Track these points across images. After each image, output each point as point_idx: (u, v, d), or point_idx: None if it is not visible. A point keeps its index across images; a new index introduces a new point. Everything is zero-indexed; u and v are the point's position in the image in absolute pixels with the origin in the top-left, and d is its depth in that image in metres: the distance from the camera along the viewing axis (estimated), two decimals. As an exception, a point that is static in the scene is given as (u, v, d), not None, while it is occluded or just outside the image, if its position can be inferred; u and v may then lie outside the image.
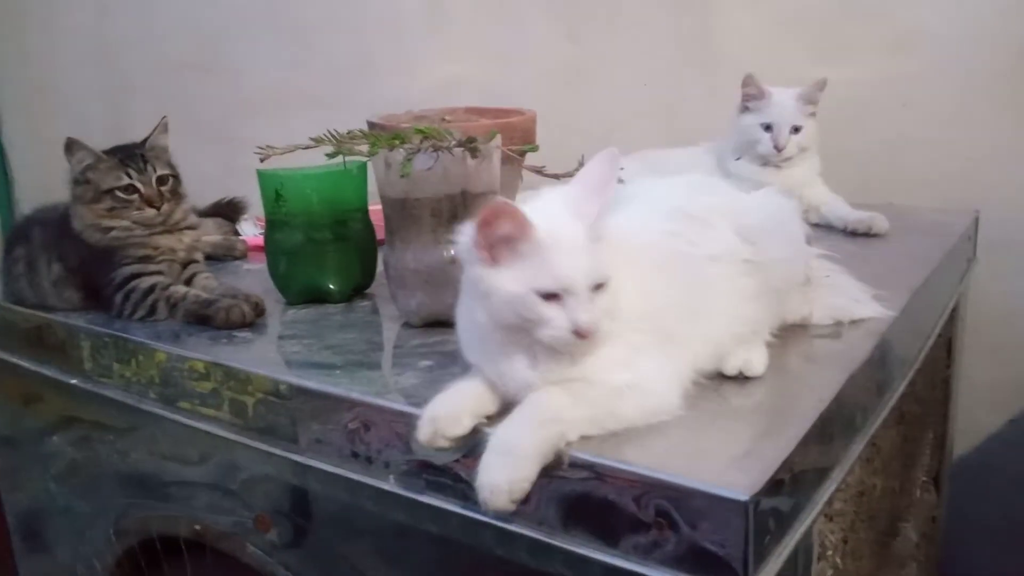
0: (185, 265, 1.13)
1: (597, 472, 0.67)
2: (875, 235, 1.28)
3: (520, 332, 0.69)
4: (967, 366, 1.49)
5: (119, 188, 1.08)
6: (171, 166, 1.14)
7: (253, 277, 1.21)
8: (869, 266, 1.04)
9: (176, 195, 1.13)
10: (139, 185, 1.09)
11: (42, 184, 1.13)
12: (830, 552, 0.85)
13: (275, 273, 1.11)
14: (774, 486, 0.64)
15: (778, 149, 1.33)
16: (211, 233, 1.39)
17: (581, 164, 1.00)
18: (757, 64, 1.35)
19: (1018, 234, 1.48)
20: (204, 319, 1.03)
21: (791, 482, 0.68)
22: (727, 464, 0.65)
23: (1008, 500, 1.56)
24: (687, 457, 0.67)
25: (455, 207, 0.95)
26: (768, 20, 1.63)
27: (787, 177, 1.35)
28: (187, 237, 1.14)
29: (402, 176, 0.88)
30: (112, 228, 1.09)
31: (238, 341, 1.00)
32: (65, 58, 2.52)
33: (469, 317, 0.74)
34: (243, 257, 1.35)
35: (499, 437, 0.68)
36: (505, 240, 0.68)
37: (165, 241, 1.11)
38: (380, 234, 1.11)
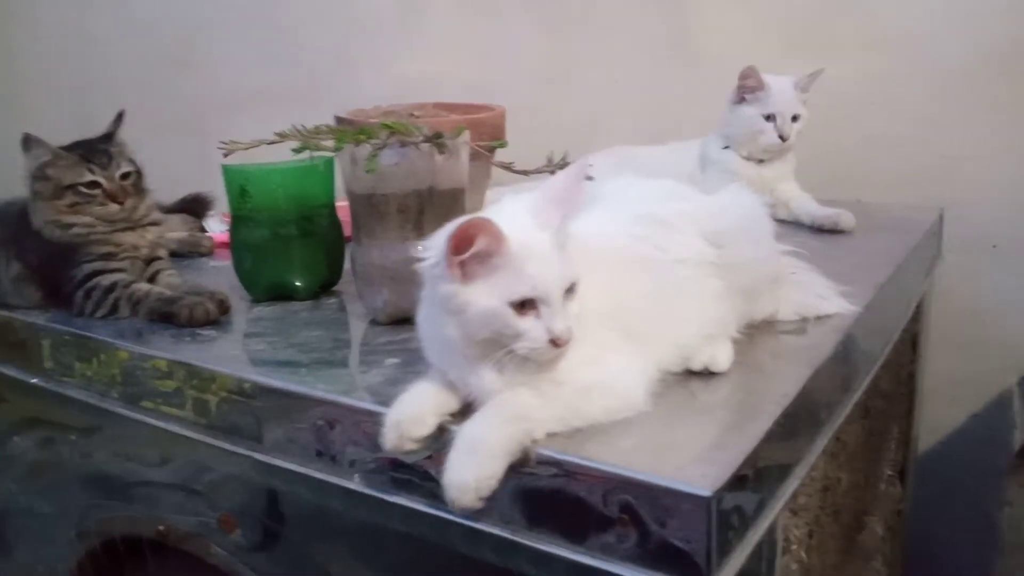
0: (148, 262, 1.12)
1: (562, 469, 0.66)
2: (841, 231, 1.29)
3: (492, 344, 0.68)
4: (933, 362, 1.51)
5: (81, 184, 1.06)
6: (132, 162, 1.12)
7: (219, 274, 1.19)
8: (836, 262, 1.05)
9: (139, 191, 1.11)
10: (102, 180, 1.07)
11: (18, 179, 1.11)
12: (795, 546, 0.85)
13: (240, 270, 1.10)
14: (737, 481, 0.64)
15: (783, 139, 1.33)
16: (177, 229, 1.37)
17: (549, 161, 1.01)
18: (735, 61, 1.35)
19: (984, 232, 1.50)
20: (167, 317, 1.02)
21: (754, 477, 0.68)
22: (691, 460, 0.65)
23: (973, 493, 1.58)
24: (652, 453, 0.67)
25: (422, 203, 0.94)
26: (743, 18, 1.64)
27: (768, 170, 1.36)
28: (150, 233, 1.12)
29: (368, 172, 0.88)
30: (73, 224, 1.07)
31: (202, 339, 0.99)
32: (37, 52, 2.47)
33: (435, 329, 0.72)
34: (209, 254, 1.34)
35: (465, 435, 0.68)
36: (477, 255, 0.66)
37: (127, 238, 1.09)
38: (348, 230, 1.10)
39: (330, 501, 0.82)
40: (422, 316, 0.75)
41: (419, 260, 0.71)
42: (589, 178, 0.92)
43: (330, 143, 0.91)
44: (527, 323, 0.67)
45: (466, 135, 0.95)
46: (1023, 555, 1.53)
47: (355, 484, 0.79)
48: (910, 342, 1.37)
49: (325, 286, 1.11)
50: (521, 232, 0.67)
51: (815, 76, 1.33)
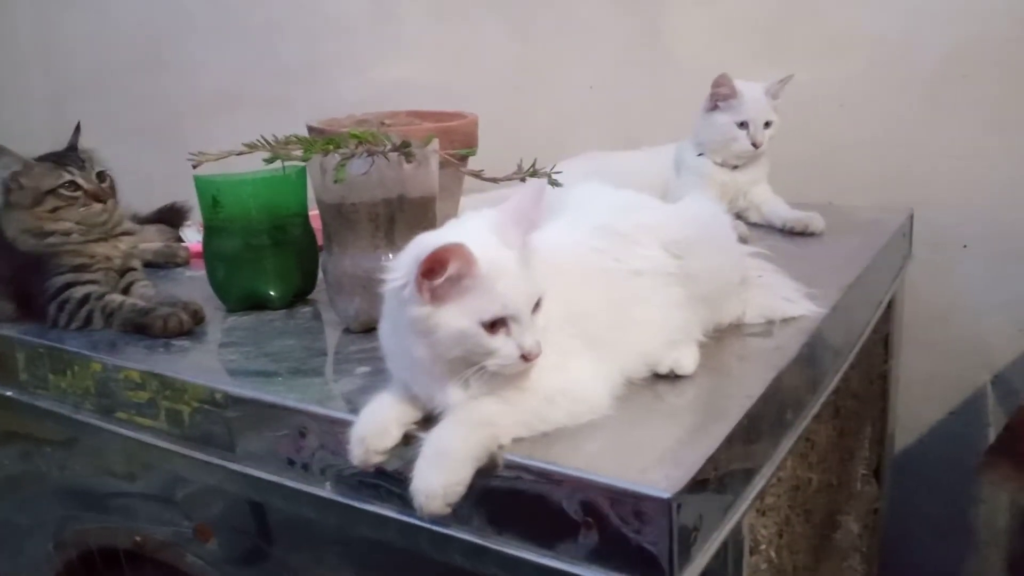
0: (123, 273, 1.12)
1: (527, 473, 0.67)
2: (812, 234, 1.30)
3: (461, 362, 0.69)
4: (906, 361, 1.53)
5: (61, 186, 1.07)
6: (103, 165, 1.12)
7: (194, 284, 1.19)
8: (805, 264, 1.06)
9: (114, 193, 1.11)
10: (81, 181, 1.08)
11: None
12: (763, 546, 0.86)
13: (214, 280, 1.10)
14: (699, 483, 0.65)
15: (756, 145, 1.34)
16: (153, 239, 1.37)
17: (519, 168, 1.02)
18: (703, 66, 1.37)
19: (954, 232, 1.52)
20: (141, 328, 1.02)
21: (718, 478, 0.69)
22: (653, 462, 0.66)
23: (948, 491, 1.60)
24: (616, 456, 0.68)
25: (392, 212, 0.95)
26: (712, 23, 1.66)
27: (741, 175, 1.38)
28: (123, 244, 1.12)
29: (336, 181, 0.88)
30: (51, 233, 1.07)
31: (175, 349, 0.99)
32: (11, 59, 2.47)
33: (401, 346, 0.73)
34: (185, 264, 1.34)
35: (432, 442, 0.68)
36: (448, 279, 0.66)
37: (101, 249, 1.09)
38: (321, 239, 1.11)
39: (302, 509, 0.83)
40: (385, 330, 0.75)
41: (383, 280, 0.71)
42: (557, 184, 0.94)
43: (299, 153, 0.91)
44: (498, 341, 0.68)
45: (435, 143, 0.96)
46: (997, 551, 1.55)
47: (326, 492, 0.80)
48: (882, 342, 1.39)
49: (299, 295, 1.12)
50: (490, 252, 0.68)
51: (785, 82, 1.35)
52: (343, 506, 0.79)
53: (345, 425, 0.75)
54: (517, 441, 0.70)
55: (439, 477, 0.67)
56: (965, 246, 1.53)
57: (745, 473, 0.75)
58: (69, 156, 1.09)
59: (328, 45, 2.03)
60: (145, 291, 1.10)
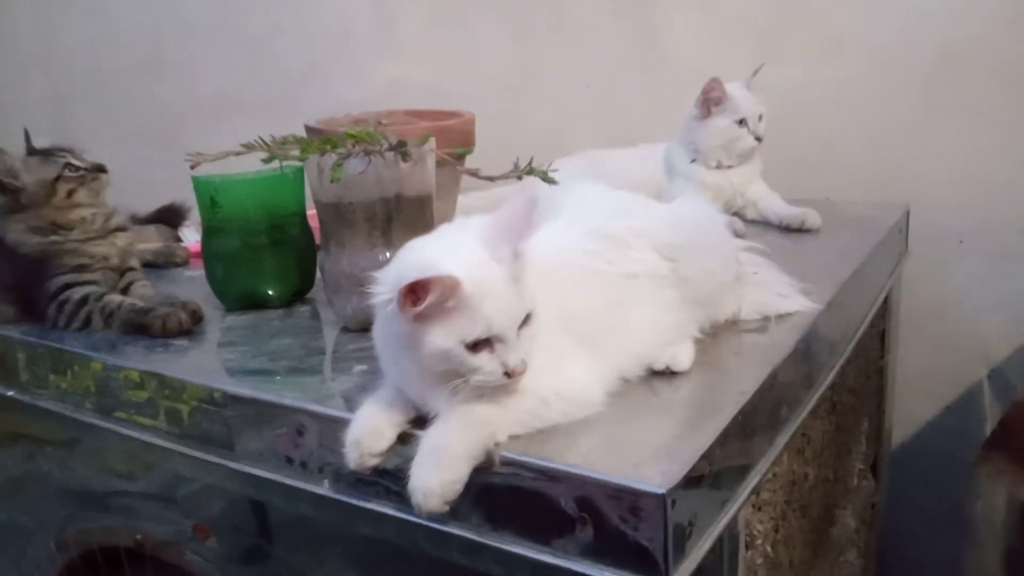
0: (122, 273, 1.12)
1: (523, 470, 0.68)
2: (808, 230, 1.31)
3: (448, 374, 0.69)
4: (903, 356, 1.53)
5: (64, 169, 1.08)
6: None
7: (193, 284, 1.20)
8: (801, 260, 1.07)
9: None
10: (76, 161, 1.10)
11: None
12: (759, 541, 0.87)
13: (213, 279, 1.11)
14: (693, 478, 0.65)
15: (759, 139, 1.35)
16: (152, 239, 1.38)
17: (516, 167, 1.02)
18: (700, 66, 1.37)
19: (949, 228, 1.53)
20: (141, 328, 1.03)
21: (713, 474, 0.69)
22: (648, 458, 0.67)
23: (946, 486, 1.61)
24: (611, 452, 0.69)
25: (389, 211, 0.95)
26: (708, 23, 1.66)
27: (735, 175, 1.38)
28: (120, 240, 1.13)
29: (333, 181, 0.89)
30: (60, 228, 1.08)
31: (174, 349, 0.99)
32: (11, 62, 2.47)
33: (391, 352, 0.73)
34: (185, 264, 1.34)
35: (429, 442, 0.69)
36: (432, 303, 0.66)
37: (99, 248, 1.10)
38: (319, 238, 1.11)
39: (301, 507, 0.83)
40: (377, 333, 0.76)
41: (370, 293, 0.71)
42: (553, 182, 0.95)
43: (296, 153, 0.92)
44: (481, 359, 0.68)
45: (431, 142, 0.97)
46: (994, 545, 1.56)
47: (324, 490, 0.80)
48: (879, 338, 1.40)
49: (297, 294, 1.12)
50: (475, 270, 0.67)
51: (756, 72, 1.35)
52: (341, 504, 0.79)
53: (343, 423, 0.76)
54: (513, 438, 0.70)
55: (436, 476, 0.67)
56: (961, 242, 1.53)
57: (740, 468, 0.76)
58: (44, 150, 1.11)
59: (326, 47, 2.04)
60: (144, 291, 1.11)
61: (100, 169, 1.12)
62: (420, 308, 0.65)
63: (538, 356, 0.70)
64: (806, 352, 0.91)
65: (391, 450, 0.73)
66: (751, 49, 1.61)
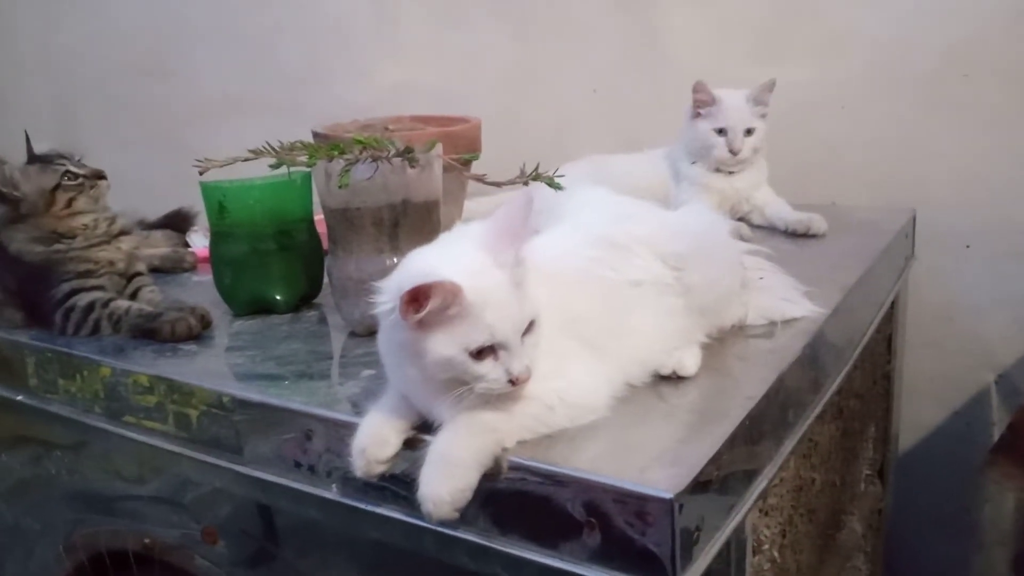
0: (129, 278, 1.13)
1: (530, 474, 0.68)
2: (814, 236, 1.31)
3: (452, 382, 0.69)
4: (910, 361, 1.53)
5: (63, 177, 1.09)
6: None
7: (201, 289, 1.21)
8: (807, 265, 1.07)
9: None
10: (74, 168, 1.10)
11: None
12: (766, 546, 0.87)
13: (221, 284, 1.11)
14: (701, 483, 0.66)
15: (734, 153, 1.34)
16: (159, 244, 1.38)
17: (522, 172, 1.02)
18: (703, 67, 1.37)
19: (955, 232, 1.52)
20: (150, 333, 1.03)
21: (720, 478, 0.69)
22: (655, 463, 0.67)
23: (953, 491, 1.60)
24: (618, 457, 0.69)
25: (397, 216, 0.96)
26: (712, 24, 1.66)
27: (739, 180, 1.38)
28: (124, 244, 1.13)
29: (340, 187, 0.89)
30: (63, 236, 1.08)
31: (183, 354, 1.00)
32: (13, 66, 2.48)
33: (395, 359, 0.74)
34: (192, 269, 1.35)
35: (437, 450, 0.69)
36: (431, 310, 0.66)
37: (104, 254, 1.10)
38: (327, 243, 1.11)
39: (309, 511, 0.84)
40: (382, 340, 0.76)
41: (373, 302, 0.71)
42: (558, 187, 0.95)
43: (304, 159, 0.92)
44: (485, 367, 0.68)
45: (438, 148, 0.97)
46: (1003, 551, 1.55)
47: (332, 494, 0.81)
48: (885, 342, 1.39)
49: (305, 299, 1.13)
50: (478, 277, 0.67)
51: (768, 87, 1.34)
52: (349, 508, 0.80)
53: (351, 428, 0.76)
54: (520, 443, 0.70)
55: (446, 484, 0.67)
56: (968, 246, 1.53)
57: (747, 473, 0.76)
58: (43, 157, 1.11)
59: (330, 50, 2.05)
60: (152, 296, 1.11)
61: (99, 176, 1.12)
62: (422, 314, 0.65)
63: (543, 361, 0.71)
64: (813, 357, 0.91)
65: (398, 455, 0.73)
66: (755, 50, 1.62)
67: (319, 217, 1.08)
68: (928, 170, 1.53)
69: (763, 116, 1.36)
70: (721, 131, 1.35)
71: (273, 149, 0.93)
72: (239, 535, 0.94)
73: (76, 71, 2.41)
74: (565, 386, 0.72)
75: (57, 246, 1.09)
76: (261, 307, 1.10)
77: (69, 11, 2.38)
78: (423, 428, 0.74)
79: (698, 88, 1.34)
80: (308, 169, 0.98)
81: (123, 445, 0.99)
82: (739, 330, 0.92)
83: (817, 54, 1.58)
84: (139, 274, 1.14)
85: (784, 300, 0.95)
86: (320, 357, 0.97)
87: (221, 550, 0.95)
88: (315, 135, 1.16)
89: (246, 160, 0.93)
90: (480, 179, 1.02)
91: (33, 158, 1.12)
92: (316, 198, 1.08)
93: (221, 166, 0.91)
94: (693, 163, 1.39)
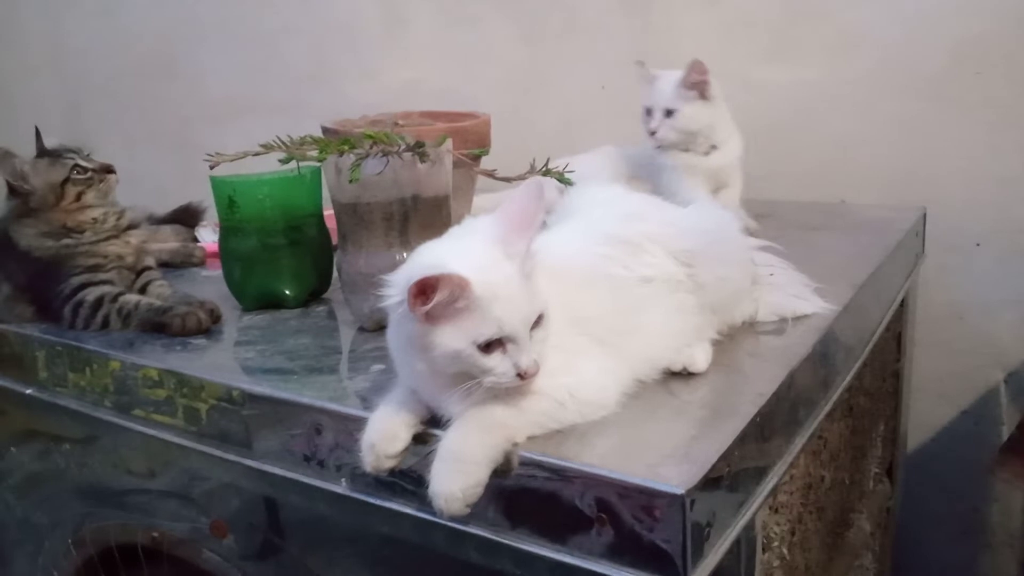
0: (138, 272, 1.13)
1: (541, 470, 0.68)
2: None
3: (461, 376, 0.69)
4: (919, 360, 1.53)
5: (72, 171, 1.09)
6: None
7: (210, 283, 1.21)
8: (817, 263, 1.06)
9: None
10: (84, 163, 1.10)
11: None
12: (776, 543, 0.87)
13: (230, 279, 1.12)
14: (711, 479, 0.65)
15: (650, 133, 1.31)
16: (169, 240, 1.39)
17: (532, 167, 1.02)
18: (711, 66, 1.36)
19: (965, 230, 1.52)
20: (160, 327, 1.03)
21: (730, 475, 0.69)
22: (666, 459, 0.67)
23: (962, 490, 1.60)
24: (629, 452, 0.69)
25: (407, 211, 0.96)
26: (722, 23, 1.66)
27: (712, 160, 1.33)
28: (133, 238, 1.14)
29: (351, 181, 0.89)
30: (72, 231, 1.09)
31: (192, 348, 1.00)
32: (22, 66, 2.49)
33: (404, 354, 0.74)
34: (201, 264, 1.35)
35: (447, 446, 0.69)
36: (440, 302, 0.66)
37: (112, 248, 1.11)
38: (336, 239, 1.11)
39: (318, 505, 0.84)
40: (391, 335, 0.76)
41: (382, 295, 0.71)
42: (569, 183, 0.95)
43: (314, 153, 0.92)
44: (494, 360, 0.67)
45: (448, 143, 0.97)
46: (1011, 551, 1.55)
47: (342, 488, 0.81)
48: (895, 340, 1.39)
49: (314, 294, 1.13)
50: (486, 271, 0.67)
51: (693, 67, 1.27)
52: (359, 502, 0.80)
53: (360, 422, 0.76)
54: (531, 439, 0.70)
55: (457, 481, 0.67)
56: (978, 244, 1.52)
57: (758, 470, 0.76)
58: (53, 151, 1.12)
59: (337, 49, 2.05)
60: (161, 290, 1.11)
61: (108, 170, 1.12)
62: (429, 306, 0.65)
63: (553, 357, 0.71)
64: (823, 354, 0.91)
65: (407, 450, 0.73)
66: (765, 48, 1.61)
67: (328, 212, 1.08)
68: (938, 168, 1.52)
69: (700, 98, 1.29)
70: (648, 111, 1.32)
71: (284, 143, 0.93)
72: (248, 529, 0.94)
73: (84, 71, 2.42)
74: (575, 382, 0.72)
75: (66, 240, 1.09)
76: (270, 302, 1.11)
77: (78, 12, 2.39)
78: (432, 423, 0.74)
79: (638, 67, 1.31)
80: (318, 164, 0.98)
81: (132, 439, 0.99)
82: (749, 327, 0.92)
83: (827, 53, 1.57)
84: (148, 268, 1.14)
85: (795, 297, 0.94)
86: (329, 352, 0.97)
87: (230, 544, 0.95)
88: (324, 130, 1.16)
89: (256, 155, 0.93)
90: (490, 175, 1.02)
91: (42, 152, 1.12)
92: (325, 193, 1.08)
93: (232, 160, 0.92)
94: (658, 147, 1.34)
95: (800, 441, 0.85)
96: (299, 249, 1.10)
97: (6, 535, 1.28)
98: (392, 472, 0.75)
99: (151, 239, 1.25)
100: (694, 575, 0.64)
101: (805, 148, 1.43)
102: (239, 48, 2.18)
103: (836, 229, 1.32)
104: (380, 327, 0.98)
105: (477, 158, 1.10)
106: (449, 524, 0.72)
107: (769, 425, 0.77)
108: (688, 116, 1.30)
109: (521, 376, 0.68)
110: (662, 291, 0.81)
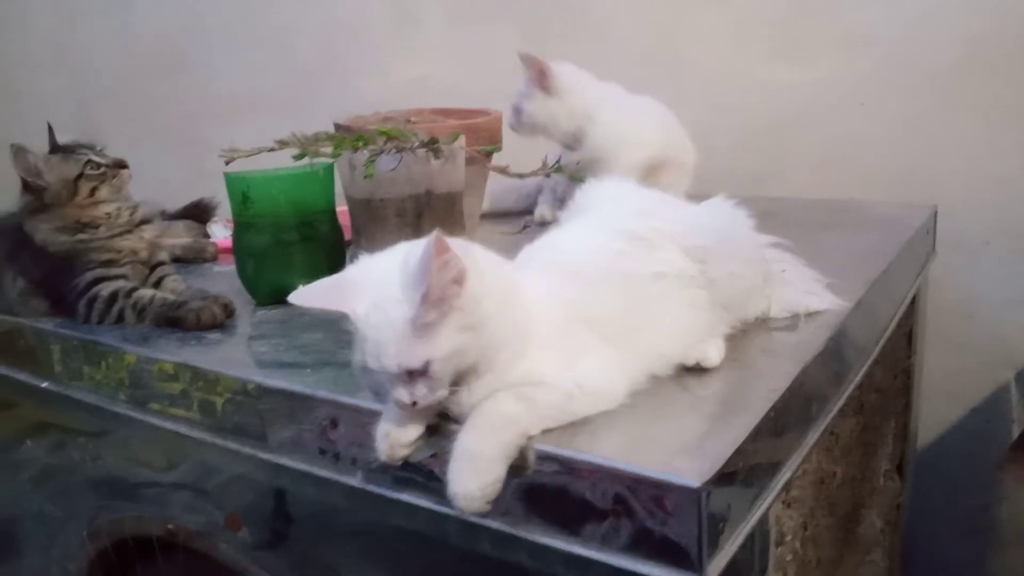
0: (152, 267, 1.14)
1: (556, 463, 0.68)
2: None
3: None
4: (929, 357, 1.53)
5: (85, 167, 1.10)
6: None
7: (222, 278, 1.22)
8: (828, 260, 1.06)
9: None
10: (96, 158, 1.11)
11: (10, 191, 1.13)
12: (789, 537, 0.87)
13: (244, 274, 1.12)
14: (726, 474, 0.66)
15: (511, 127, 1.32)
16: (181, 235, 1.39)
17: (544, 164, 1.03)
18: (720, 66, 1.37)
19: (976, 228, 1.52)
20: (174, 321, 1.04)
21: (745, 470, 0.69)
22: (681, 452, 0.67)
23: (971, 487, 1.60)
24: (643, 446, 0.69)
25: (420, 207, 0.96)
26: (730, 22, 1.66)
27: (577, 155, 1.28)
28: (146, 233, 1.14)
29: (366, 177, 0.90)
30: (87, 226, 1.09)
31: (207, 342, 1.01)
32: (31, 63, 2.50)
33: None
34: (213, 259, 1.36)
35: (462, 445, 0.69)
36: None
37: (126, 243, 1.11)
38: (348, 234, 1.12)
39: (333, 498, 0.84)
40: None
41: None
42: (582, 180, 0.95)
43: (329, 149, 0.93)
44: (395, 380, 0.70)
45: (461, 140, 0.98)
46: (1020, 548, 1.54)
47: (357, 481, 0.81)
48: (905, 338, 1.39)
49: (327, 289, 1.13)
50: (371, 305, 0.70)
51: (525, 61, 1.29)
52: (374, 495, 0.80)
53: (374, 415, 0.77)
54: (546, 432, 0.71)
55: (475, 479, 0.68)
56: (987, 243, 1.52)
57: (771, 465, 0.76)
58: (66, 147, 1.12)
59: (345, 47, 2.05)
60: (175, 285, 1.12)
61: (121, 165, 1.13)
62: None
63: (561, 351, 0.72)
64: (836, 351, 0.91)
65: (423, 442, 0.74)
66: (772, 48, 1.61)
67: (341, 208, 1.08)
68: (947, 167, 1.52)
69: (544, 92, 1.29)
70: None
71: (299, 139, 0.93)
72: (262, 522, 0.95)
73: (92, 68, 2.42)
74: (581, 375, 0.73)
75: (80, 236, 1.10)
76: (283, 297, 1.10)
77: (85, 9, 2.40)
78: (444, 413, 0.74)
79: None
80: (331, 160, 0.99)
81: (148, 432, 1.00)
82: (762, 323, 0.92)
83: (835, 52, 1.57)
84: (162, 263, 1.15)
85: (807, 293, 0.95)
86: (343, 346, 0.96)
87: (244, 536, 0.96)
88: (337, 127, 1.17)
89: (271, 150, 0.94)
90: (503, 171, 1.02)
91: (56, 148, 1.13)
92: (338, 189, 1.08)
93: (247, 155, 0.92)
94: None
95: (813, 436, 0.85)
96: (312, 245, 1.10)
97: (21, 527, 1.29)
98: (406, 463, 0.75)
99: (164, 234, 1.26)
100: (709, 568, 0.64)
101: (814, 146, 1.43)
102: (247, 45, 2.18)
103: (846, 227, 1.32)
104: (394, 322, 0.99)
105: (489, 154, 1.11)
106: (463, 516, 0.73)
107: (782, 420, 0.77)
108: (534, 111, 1.30)
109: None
110: (674, 287, 0.81)
